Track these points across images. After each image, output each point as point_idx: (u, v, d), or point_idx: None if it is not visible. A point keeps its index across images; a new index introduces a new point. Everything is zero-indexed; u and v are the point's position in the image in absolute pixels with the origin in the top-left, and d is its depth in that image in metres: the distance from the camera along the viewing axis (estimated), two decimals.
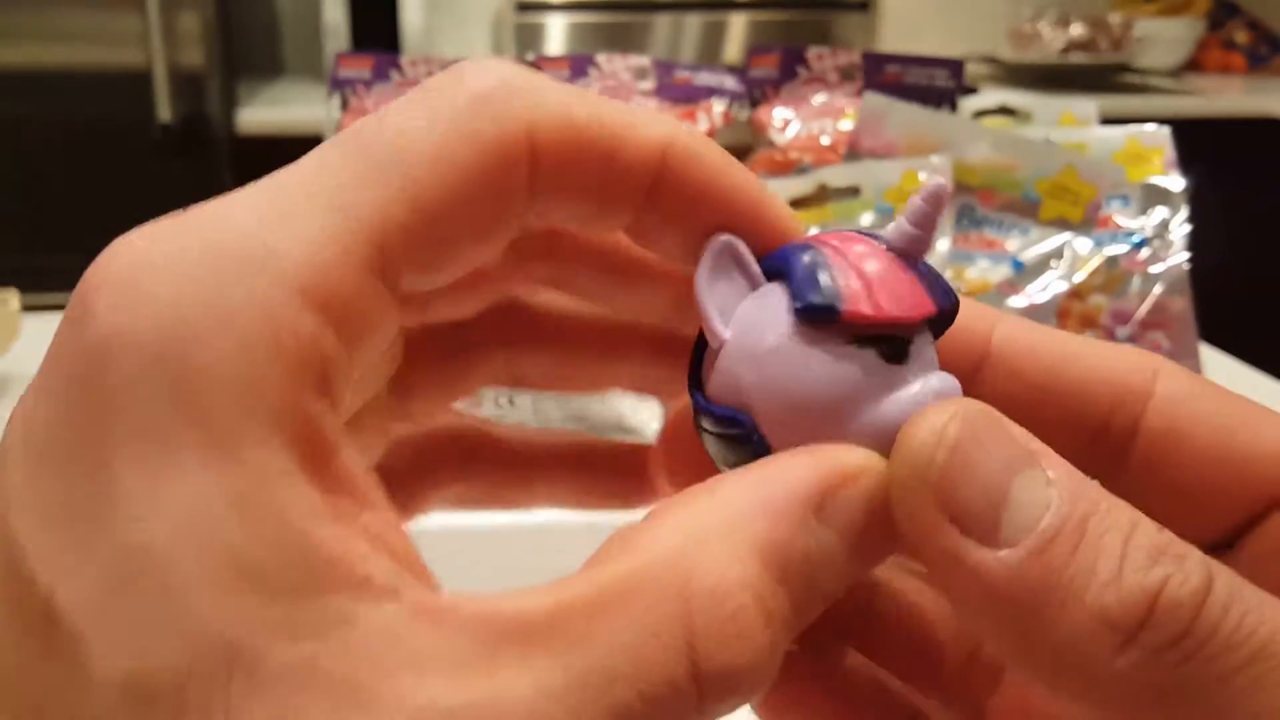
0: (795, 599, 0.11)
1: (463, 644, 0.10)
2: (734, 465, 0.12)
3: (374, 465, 0.15)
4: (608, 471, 0.17)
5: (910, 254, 0.13)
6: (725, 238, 0.13)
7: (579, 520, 0.17)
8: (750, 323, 0.13)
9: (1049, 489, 0.11)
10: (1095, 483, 0.11)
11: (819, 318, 0.12)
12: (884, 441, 0.12)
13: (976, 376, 0.14)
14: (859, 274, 0.12)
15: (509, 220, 0.12)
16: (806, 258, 0.12)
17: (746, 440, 0.12)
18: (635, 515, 0.12)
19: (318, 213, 0.11)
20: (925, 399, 0.12)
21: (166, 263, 0.10)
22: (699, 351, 0.14)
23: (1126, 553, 0.11)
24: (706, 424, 0.13)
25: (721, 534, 0.11)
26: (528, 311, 0.16)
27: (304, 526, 0.10)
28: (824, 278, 0.12)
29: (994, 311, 0.14)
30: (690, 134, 0.13)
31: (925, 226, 0.12)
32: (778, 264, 0.13)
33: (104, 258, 0.11)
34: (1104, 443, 0.13)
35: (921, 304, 0.12)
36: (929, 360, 0.12)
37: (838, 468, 0.11)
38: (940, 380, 0.12)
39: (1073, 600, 0.10)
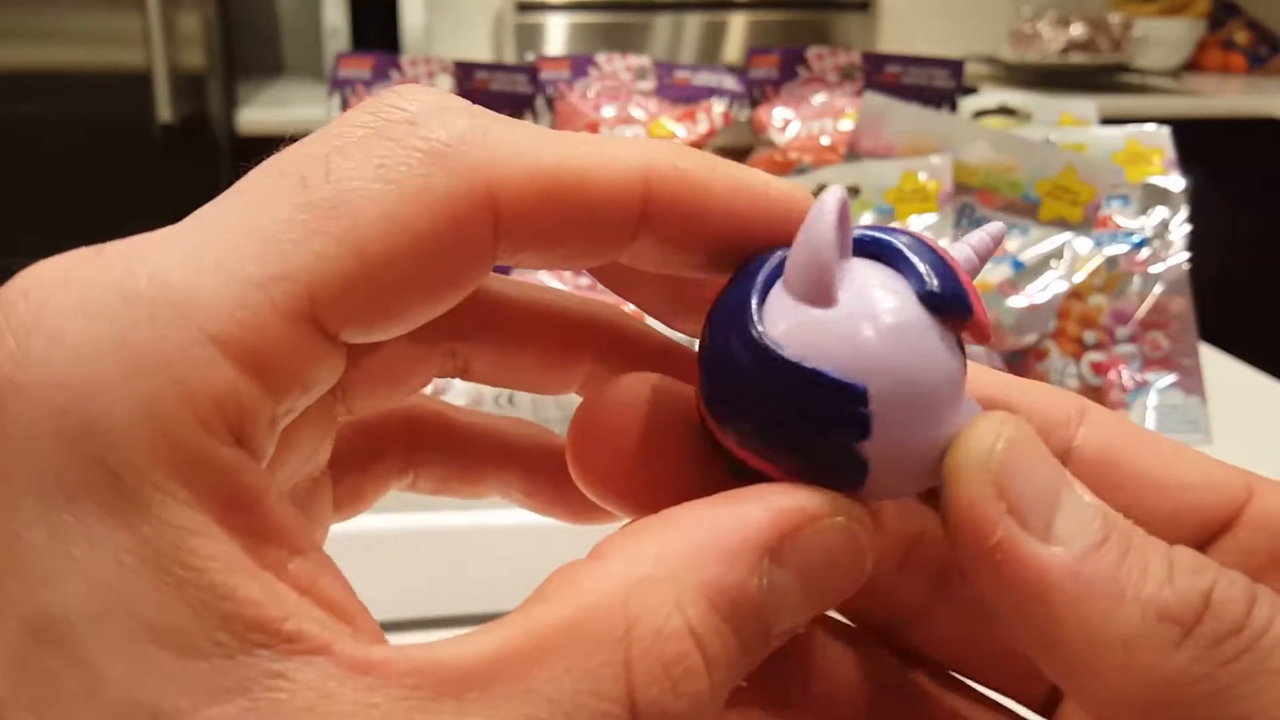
0: (744, 640, 0.11)
1: (398, 698, 0.09)
2: (784, 454, 0.11)
3: (323, 462, 0.14)
4: (562, 477, 0.15)
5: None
6: (838, 194, 0.12)
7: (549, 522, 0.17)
8: (866, 294, 0.12)
9: (1092, 504, 0.11)
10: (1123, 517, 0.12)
11: (950, 310, 0.12)
12: (949, 440, 0.12)
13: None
14: (967, 280, 0.12)
15: (468, 275, 0.11)
16: (925, 249, 0.12)
17: (850, 416, 0.11)
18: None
19: (246, 258, 0.10)
20: (975, 408, 0.12)
21: (76, 306, 0.10)
22: (729, 321, 0.12)
23: (1174, 560, 0.11)
24: (784, 395, 0.11)
25: (668, 577, 0.10)
26: (479, 299, 0.14)
27: (223, 582, 0.09)
28: (952, 276, 0.12)
29: (1079, 405, 0.14)
30: (668, 153, 0.12)
31: (984, 258, 0.13)
32: (876, 245, 0.12)
33: (10, 292, 0.10)
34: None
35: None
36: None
37: (798, 509, 0.11)
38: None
39: (1131, 595, 0.11)
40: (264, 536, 0.10)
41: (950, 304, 0.12)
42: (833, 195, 0.12)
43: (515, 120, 0.11)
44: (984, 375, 0.14)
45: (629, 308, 0.15)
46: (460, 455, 0.16)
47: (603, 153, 0.12)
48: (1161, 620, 0.11)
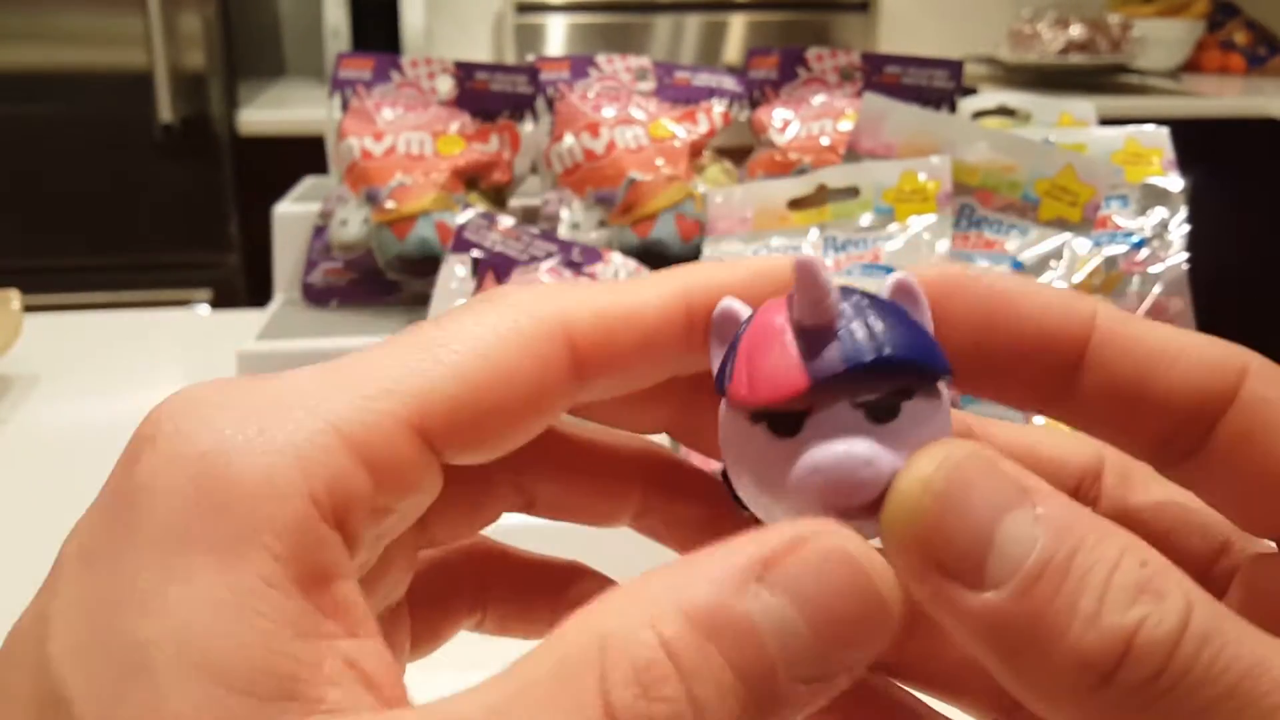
0: (738, 666, 0.10)
1: None
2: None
3: (402, 591, 0.16)
4: None
5: (821, 326, 0.13)
6: (722, 306, 0.14)
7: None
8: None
9: (1035, 527, 0.11)
10: (1088, 513, 0.12)
11: (722, 396, 0.13)
12: (790, 509, 0.12)
13: (1079, 368, 0.14)
14: (748, 356, 0.13)
15: (552, 402, 0.13)
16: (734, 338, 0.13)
17: (740, 504, 0.13)
18: None
19: (373, 380, 0.12)
20: (800, 473, 0.12)
21: (227, 401, 0.12)
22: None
23: (1107, 591, 0.11)
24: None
25: (646, 600, 0.11)
26: (544, 436, 0.16)
27: (281, 636, 0.11)
28: (727, 362, 0.13)
29: (1091, 301, 0.14)
30: (704, 274, 0.14)
31: (816, 300, 0.13)
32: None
33: (176, 396, 0.12)
34: (1184, 434, 0.14)
35: (792, 382, 0.12)
36: (842, 423, 0.12)
37: (785, 536, 0.11)
38: (821, 453, 0.12)
39: (1056, 639, 0.11)
40: (330, 611, 0.11)
41: (721, 392, 0.13)
42: (812, 260, 0.13)
43: (588, 281, 0.13)
44: (1141, 332, 0.14)
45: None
46: (521, 592, 0.17)
47: (646, 287, 0.14)
48: (1082, 665, 0.11)
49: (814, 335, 0.13)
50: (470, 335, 0.13)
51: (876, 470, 0.12)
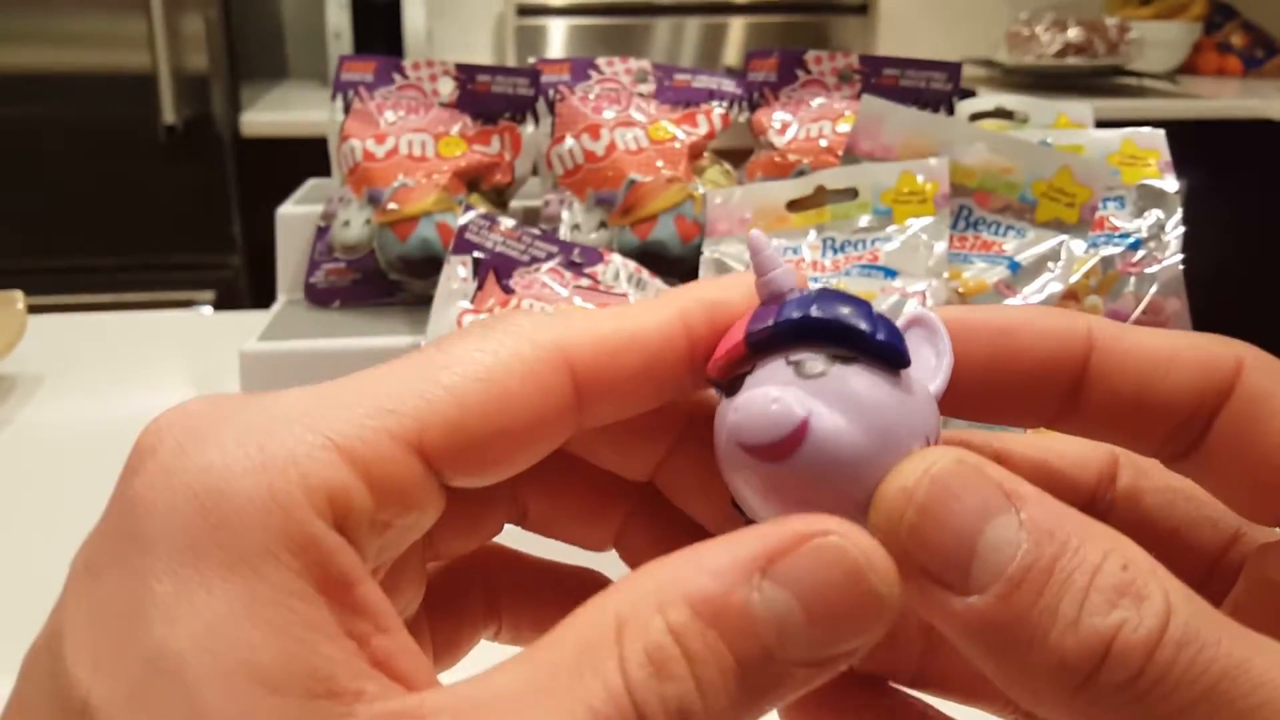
0: (740, 654, 0.11)
1: None
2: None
3: (416, 604, 0.16)
4: None
5: (775, 298, 0.14)
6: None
7: None
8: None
9: (1020, 532, 0.12)
10: (1074, 517, 0.12)
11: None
12: (746, 484, 0.13)
13: (1081, 385, 0.14)
14: (721, 342, 0.14)
15: (554, 428, 0.14)
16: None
17: (737, 509, 0.14)
18: None
19: (375, 399, 0.12)
20: (722, 416, 0.13)
21: (228, 417, 0.12)
22: None
23: (1088, 595, 0.11)
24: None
25: (654, 589, 0.11)
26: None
27: (310, 638, 0.11)
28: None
29: (1084, 319, 0.14)
30: (698, 294, 0.15)
31: (763, 270, 0.14)
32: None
33: (175, 410, 0.12)
34: (1186, 432, 0.14)
35: (731, 344, 0.14)
36: (771, 376, 0.13)
37: (791, 532, 0.12)
38: (741, 395, 0.13)
39: (1038, 642, 0.11)
40: (354, 610, 0.12)
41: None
42: (758, 234, 0.14)
43: (586, 309, 0.14)
44: (1138, 341, 0.14)
45: None
46: (535, 600, 0.18)
47: (644, 311, 0.14)
48: (1063, 669, 0.11)
49: (764, 308, 0.14)
50: (471, 359, 0.13)
51: (783, 406, 0.12)
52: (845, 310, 0.13)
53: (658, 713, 0.11)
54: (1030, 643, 0.11)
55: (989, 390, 0.14)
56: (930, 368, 0.14)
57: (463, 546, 0.17)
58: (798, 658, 0.11)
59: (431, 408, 0.12)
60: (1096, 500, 0.16)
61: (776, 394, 0.13)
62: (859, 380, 0.13)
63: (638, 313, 0.14)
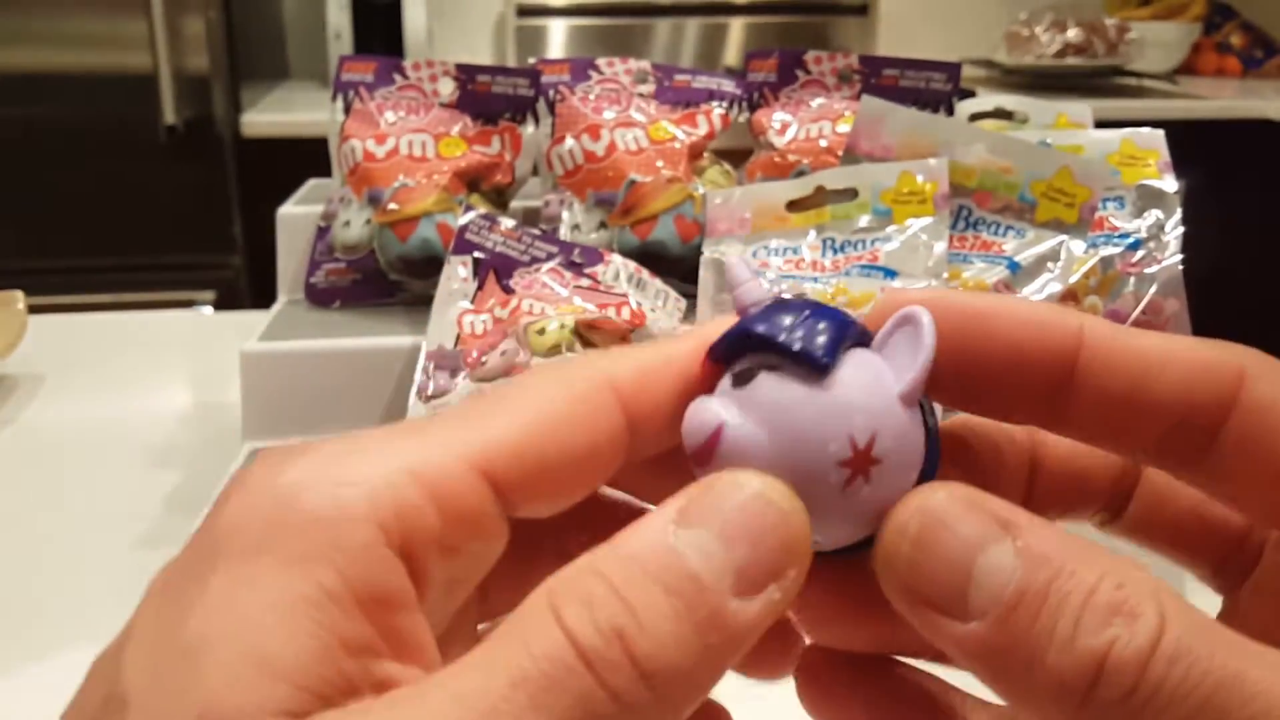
0: (662, 578, 0.12)
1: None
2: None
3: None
4: None
5: (743, 312, 0.15)
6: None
7: None
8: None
9: (1015, 558, 0.12)
10: (1071, 542, 0.12)
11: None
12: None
13: (1070, 383, 0.14)
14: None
15: (608, 451, 0.14)
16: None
17: None
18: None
19: (439, 432, 0.13)
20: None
21: (309, 448, 0.13)
22: None
23: (1083, 615, 0.12)
24: None
25: (589, 558, 0.12)
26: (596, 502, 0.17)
27: (327, 644, 0.11)
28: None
29: (1078, 317, 0.15)
30: (723, 324, 0.15)
31: (730, 287, 0.15)
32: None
33: (263, 450, 0.13)
34: (1184, 439, 0.14)
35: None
36: (720, 388, 0.14)
37: (699, 485, 0.13)
38: (689, 408, 0.14)
39: (1036, 663, 0.12)
40: (385, 634, 0.12)
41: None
42: (728, 260, 0.15)
43: (629, 344, 0.15)
44: (1131, 342, 0.14)
45: None
46: None
47: (676, 341, 0.15)
48: (1061, 688, 0.12)
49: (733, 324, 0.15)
50: (528, 393, 0.14)
51: (704, 414, 0.14)
52: (773, 320, 0.14)
53: (591, 637, 0.11)
54: (1029, 664, 0.12)
55: (962, 375, 0.15)
56: (904, 367, 0.14)
57: (513, 599, 0.17)
58: (726, 582, 0.12)
59: (496, 435, 0.13)
60: (1125, 477, 0.16)
61: (704, 403, 0.14)
62: (773, 386, 0.14)
63: (669, 341, 0.15)
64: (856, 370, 0.14)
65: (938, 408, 0.15)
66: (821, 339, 0.14)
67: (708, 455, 0.14)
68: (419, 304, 0.53)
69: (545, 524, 0.15)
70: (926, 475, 0.14)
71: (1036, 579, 0.12)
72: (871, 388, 0.14)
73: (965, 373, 0.15)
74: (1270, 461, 0.14)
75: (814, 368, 0.14)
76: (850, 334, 0.14)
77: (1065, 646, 0.12)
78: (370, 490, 0.12)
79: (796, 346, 0.14)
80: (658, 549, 0.12)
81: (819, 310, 0.14)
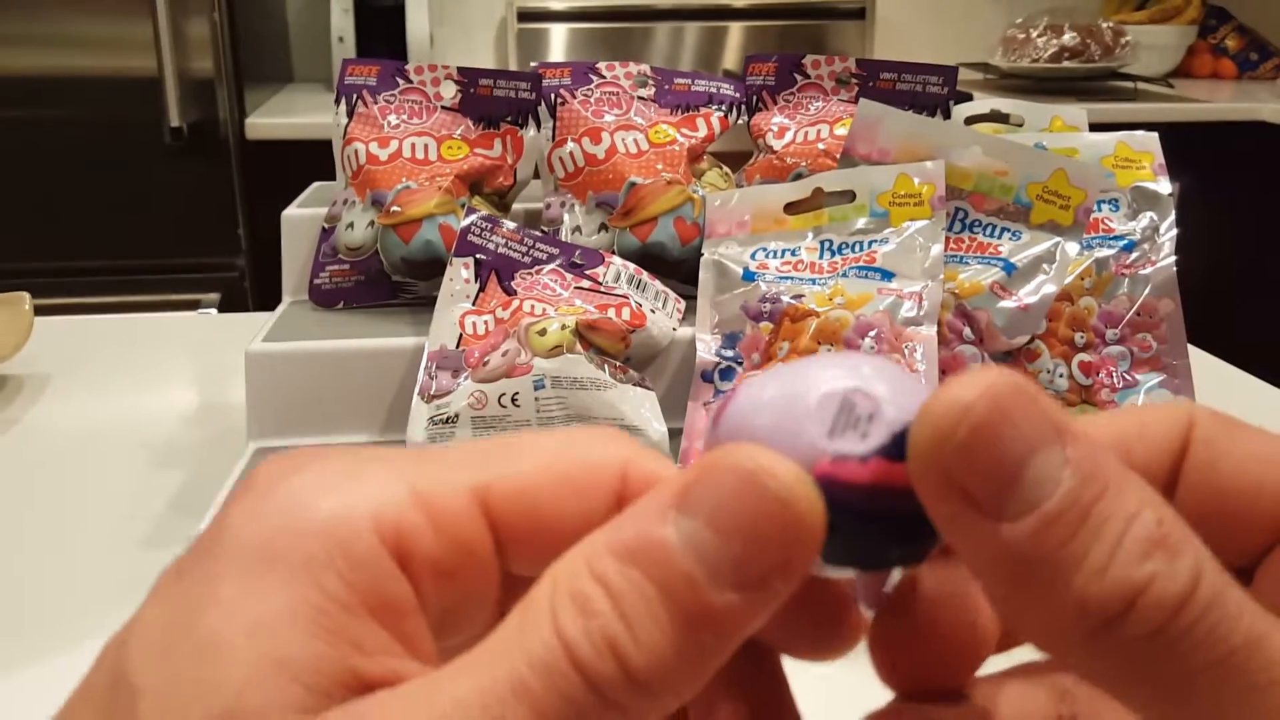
0: (652, 575, 0.11)
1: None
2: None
3: None
4: None
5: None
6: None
7: None
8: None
9: (1063, 468, 0.11)
10: (1115, 462, 0.12)
11: None
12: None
13: (1178, 474, 0.14)
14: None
15: (600, 501, 0.14)
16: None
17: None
18: None
19: (443, 455, 0.14)
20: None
21: (316, 456, 0.14)
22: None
23: (1121, 543, 0.11)
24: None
25: (585, 545, 0.12)
26: None
27: (341, 647, 0.12)
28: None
29: (1187, 411, 0.14)
30: (640, 454, 0.15)
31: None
32: None
33: (270, 456, 0.14)
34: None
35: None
36: None
37: (698, 466, 0.12)
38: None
39: (1060, 583, 0.11)
40: (398, 636, 0.13)
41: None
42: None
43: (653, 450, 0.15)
44: (1238, 445, 0.14)
45: None
46: None
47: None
48: (1082, 613, 0.11)
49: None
50: (532, 441, 0.14)
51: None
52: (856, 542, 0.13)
53: (584, 647, 0.11)
54: (1053, 582, 0.11)
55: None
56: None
57: None
58: (721, 580, 0.11)
59: (497, 474, 0.14)
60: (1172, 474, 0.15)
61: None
62: None
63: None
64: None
65: None
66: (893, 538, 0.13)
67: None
68: (422, 305, 0.53)
69: None
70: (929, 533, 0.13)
71: (1082, 495, 0.11)
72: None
73: None
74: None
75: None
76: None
77: (1096, 573, 0.11)
78: (373, 505, 0.13)
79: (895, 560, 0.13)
80: (651, 542, 0.12)
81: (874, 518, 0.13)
